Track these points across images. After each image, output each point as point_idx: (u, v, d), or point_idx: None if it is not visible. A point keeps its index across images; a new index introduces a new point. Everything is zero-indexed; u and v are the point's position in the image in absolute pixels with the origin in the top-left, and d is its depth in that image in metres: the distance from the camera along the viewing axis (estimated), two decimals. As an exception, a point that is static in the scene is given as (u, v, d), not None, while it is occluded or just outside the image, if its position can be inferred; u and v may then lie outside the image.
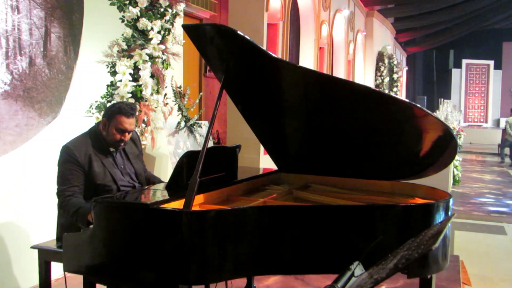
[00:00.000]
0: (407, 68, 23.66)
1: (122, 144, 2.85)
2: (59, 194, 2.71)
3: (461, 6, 18.28)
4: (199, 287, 2.54)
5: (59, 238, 2.77)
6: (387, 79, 16.81)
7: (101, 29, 4.05)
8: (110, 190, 2.78)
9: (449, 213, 2.43)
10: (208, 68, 7.27)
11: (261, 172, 3.38)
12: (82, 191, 2.72)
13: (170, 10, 4.02)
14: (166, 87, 4.14)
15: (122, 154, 2.94)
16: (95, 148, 2.78)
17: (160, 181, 3.05)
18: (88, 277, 2.40)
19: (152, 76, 3.93)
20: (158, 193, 2.50)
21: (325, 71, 11.17)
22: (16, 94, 3.40)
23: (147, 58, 3.88)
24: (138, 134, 3.86)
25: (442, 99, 15.76)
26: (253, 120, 3.02)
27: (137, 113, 3.00)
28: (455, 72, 25.07)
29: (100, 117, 3.67)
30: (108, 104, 3.62)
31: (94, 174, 2.73)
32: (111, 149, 2.86)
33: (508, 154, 13.56)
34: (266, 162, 6.02)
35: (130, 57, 3.85)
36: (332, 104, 2.69)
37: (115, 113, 2.78)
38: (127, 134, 2.82)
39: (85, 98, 3.83)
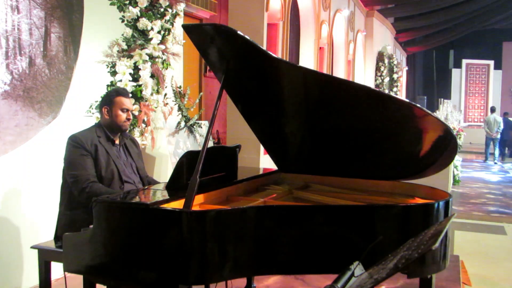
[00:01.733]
0: (407, 68, 23.65)
1: (128, 123, 2.99)
2: (77, 180, 2.73)
3: (461, 6, 18.27)
4: (199, 287, 2.53)
5: (58, 237, 2.78)
6: (387, 79, 16.81)
7: (101, 29, 4.05)
8: (113, 178, 2.84)
9: (449, 213, 2.43)
10: (208, 68, 7.26)
11: (261, 172, 3.38)
12: (95, 178, 2.79)
13: (170, 10, 4.01)
14: (166, 87, 4.14)
15: (125, 150, 3.02)
16: (100, 139, 2.88)
17: None
18: (88, 277, 2.40)
19: (152, 76, 3.93)
20: (158, 193, 2.50)
21: (325, 71, 11.17)
22: (16, 94, 3.40)
23: (147, 58, 3.88)
24: (138, 134, 3.88)
25: (442, 99, 15.82)
26: (253, 120, 3.02)
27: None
28: (455, 72, 25.05)
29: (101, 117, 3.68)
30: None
31: (99, 163, 2.82)
32: (116, 141, 2.95)
33: (492, 152, 14.27)
34: (266, 162, 6.02)
35: (130, 57, 3.85)
36: (332, 104, 2.69)
37: (114, 96, 2.94)
38: (130, 113, 2.98)
39: (85, 98, 3.83)
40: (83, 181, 2.72)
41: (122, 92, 2.98)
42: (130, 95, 3.75)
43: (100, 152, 2.83)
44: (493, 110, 14.63)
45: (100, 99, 3.78)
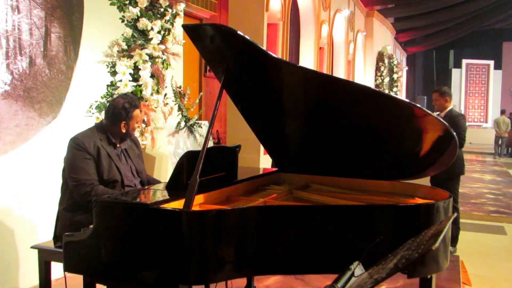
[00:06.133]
0: (407, 68, 23.66)
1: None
2: (80, 184, 2.72)
3: (461, 6, 18.29)
4: (199, 287, 2.53)
5: (57, 237, 2.79)
6: (387, 79, 16.82)
7: (101, 29, 4.05)
8: (115, 182, 2.83)
9: (449, 213, 2.42)
10: (208, 68, 7.27)
11: (261, 172, 3.38)
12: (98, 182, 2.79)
13: (170, 10, 4.01)
14: (166, 87, 4.14)
15: (124, 153, 3.00)
16: (102, 141, 2.87)
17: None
18: (88, 277, 2.40)
19: (152, 76, 3.93)
20: (158, 193, 2.50)
21: (325, 71, 11.17)
22: (16, 94, 3.40)
23: (147, 58, 3.88)
24: (138, 134, 3.88)
25: (442, 99, 15.92)
26: (253, 120, 3.02)
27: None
28: (455, 72, 25.08)
29: (100, 117, 3.68)
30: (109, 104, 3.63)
31: (101, 167, 2.80)
32: (117, 144, 2.94)
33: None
34: (266, 162, 6.02)
35: (130, 57, 3.85)
36: (332, 104, 2.69)
37: (132, 110, 2.94)
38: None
39: (85, 98, 3.83)
40: (87, 185, 2.71)
41: (136, 105, 2.98)
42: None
43: (103, 155, 2.81)
44: (503, 112, 16.38)
45: (100, 99, 3.79)
